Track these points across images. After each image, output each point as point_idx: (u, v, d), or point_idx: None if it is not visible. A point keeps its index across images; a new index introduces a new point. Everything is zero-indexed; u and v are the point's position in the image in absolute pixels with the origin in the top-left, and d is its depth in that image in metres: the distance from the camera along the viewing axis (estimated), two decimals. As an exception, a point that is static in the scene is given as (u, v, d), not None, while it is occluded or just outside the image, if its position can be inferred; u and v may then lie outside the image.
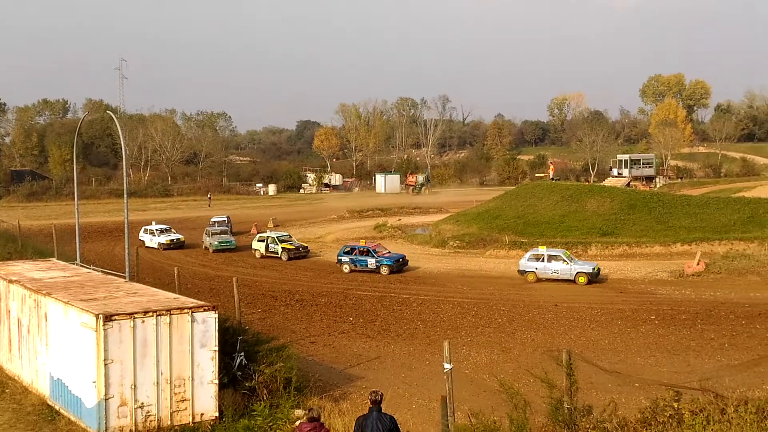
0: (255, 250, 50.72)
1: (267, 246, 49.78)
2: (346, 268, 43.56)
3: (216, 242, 53.04)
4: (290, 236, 52.71)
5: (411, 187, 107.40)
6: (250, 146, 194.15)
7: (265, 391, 17.31)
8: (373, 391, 11.71)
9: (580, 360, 15.11)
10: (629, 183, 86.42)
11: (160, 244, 54.62)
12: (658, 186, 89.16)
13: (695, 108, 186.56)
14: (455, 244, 51.50)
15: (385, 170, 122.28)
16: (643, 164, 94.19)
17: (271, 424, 15.90)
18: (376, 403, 11.42)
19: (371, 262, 42.78)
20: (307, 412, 12.29)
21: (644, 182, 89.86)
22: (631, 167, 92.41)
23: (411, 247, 52.51)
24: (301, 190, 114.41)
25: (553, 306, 32.99)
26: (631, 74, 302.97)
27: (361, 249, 43.85)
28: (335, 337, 28.23)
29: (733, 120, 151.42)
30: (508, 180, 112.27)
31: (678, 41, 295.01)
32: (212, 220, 61.39)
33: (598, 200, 57.16)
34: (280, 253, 49.04)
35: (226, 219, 61.54)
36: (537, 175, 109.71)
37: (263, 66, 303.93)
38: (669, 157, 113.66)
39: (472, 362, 24.39)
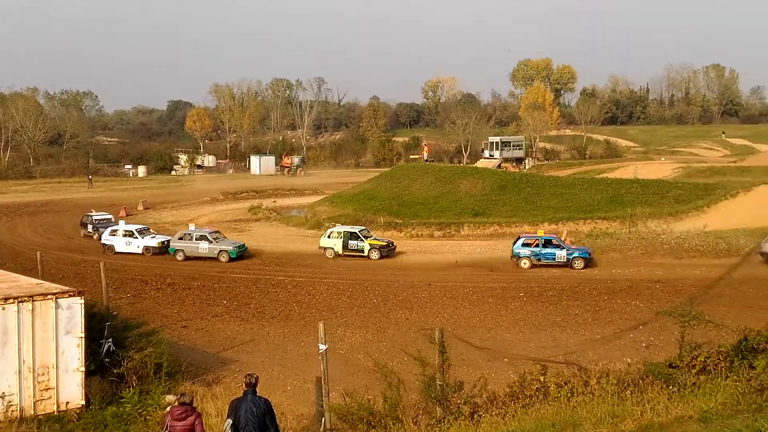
0: (325, 248, 41.98)
1: (346, 243, 41.38)
2: (525, 263, 37.48)
3: (232, 248, 40.86)
4: (368, 229, 44.51)
5: (286, 169, 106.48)
6: (119, 126, 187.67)
7: (134, 378, 16.86)
8: (248, 374, 11.59)
9: (453, 337, 15.39)
10: (500, 164, 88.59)
11: (147, 248, 42.85)
12: (527, 167, 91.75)
13: (562, 92, 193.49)
14: (331, 226, 51.46)
15: (260, 152, 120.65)
16: (513, 146, 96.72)
17: (140, 410, 15.49)
18: (251, 386, 11.30)
19: (561, 254, 37.25)
20: (178, 397, 12.06)
21: (514, 164, 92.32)
22: (502, 149, 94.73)
23: (286, 228, 52.19)
24: (173, 172, 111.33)
25: (426, 285, 33.49)
26: (501, 58, 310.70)
27: (546, 240, 37.98)
28: (208, 321, 27.76)
29: (598, 104, 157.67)
30: (384, 162, 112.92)
31: (546, 27, 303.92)
32: (93, 216, 49.96)
33: (470, 181, 58.42)
34: (367, 251, 40.76)
35: (111, 217, 51.06)
36: (412, 156, 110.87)
37: (132, 43, 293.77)
38: (537, 140, 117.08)
39: (348, 343, 24.52)
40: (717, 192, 51.50)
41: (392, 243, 42.26)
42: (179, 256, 41.41)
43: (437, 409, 12.69)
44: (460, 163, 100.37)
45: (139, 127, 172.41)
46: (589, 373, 12.18)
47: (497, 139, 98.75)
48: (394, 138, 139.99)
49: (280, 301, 31.15)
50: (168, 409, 12.77)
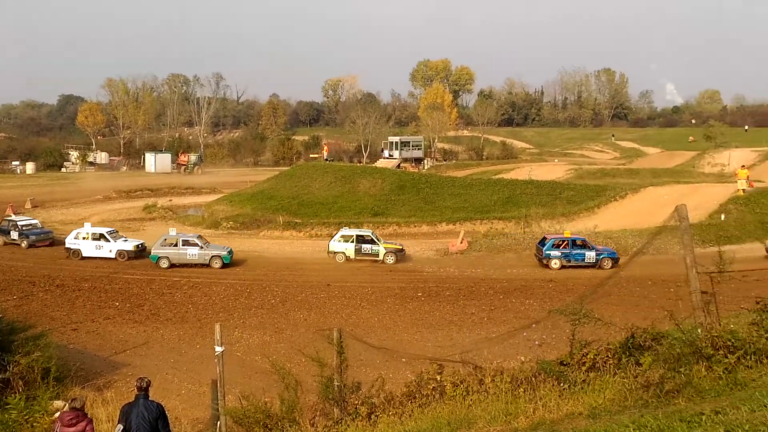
0: (335, 252, 39.57)
1: (359, 248, 39.17)
2: (555, 263, 36.95)
3: (225, 253, 38.35)
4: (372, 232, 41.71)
5: (183, 167, 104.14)
6: (6, 121, 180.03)
7: (20, 383, 16.16)
8: (140, 378, 11.31)
9: (351, 338, 15.35)
10: (399, 164, 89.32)
11: (121, 252, 39.67)
12: (426, 167, 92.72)
13: (461, 93, 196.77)
14: (229, 225, 50.81)
15: (156, 149, 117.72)
16: (412, 146, 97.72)
17: (27, 417, 14.88)
18: (143, 390, 11.04)
19: (590, 255, 37.10)
20: (69, 402, 11.66)
21: (413, 164, 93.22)
22: (401, 149, 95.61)
23: (183, 228, 51.07)
24: (64, 169, 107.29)
25: (325, 286, 33.41)
26: (402, 58, 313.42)
27: (575, 240, 37.62)
28: (100, 324, 26.93)
29: (495, 105, 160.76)
30: (283, 160, 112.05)
31: (446, 28, 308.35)
32: (18, 222, 44.34)
33: (370, 181, 58.70)
34: (382, 255, 39.09)
35: (37, 221, 46.34)
36: (311, 155, 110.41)
37: (21, 34, 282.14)
38: (436, 140, 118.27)
39: (245, 344, 24.25)
40: (607, 193, 53.25)
41: (401, 245, 40.48)
42: (163, 264, 37.83)
43: (335, 410, 12.65)
44: (360, 162, 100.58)
45: (28, 122, 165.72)
46: (484, 371, 12.36)
47: (397, 139, 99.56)
48: (293, 136, 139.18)
49: (176, 302, 30.50)
50: (57, 414, 12.35)
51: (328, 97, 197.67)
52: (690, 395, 8.79)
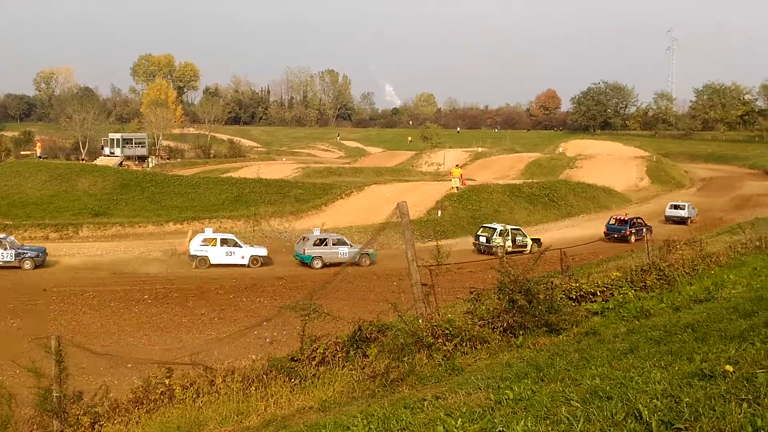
0: (498, 246, 40.26)
1: (514, 239, 41.81)
2: (632, 239, 42.48)
3: (372, 251, 37.73)
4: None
5: None
6: None
7: None
8: None
9: (71, 345, 14.48)
10: (122, 162, 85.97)
11: (254, 258, 38.17)
12: (150, 166, 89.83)
13: (185, 90, 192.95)
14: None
15: None
16: (135, 144, 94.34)
17: None
18: None
19: (644, 231, 41.66)
20: None
21: (137, 162, 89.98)
22: (123, 146, 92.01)
23: None
24: None
25: (42, 291, 31.30)
26: (122, 52, 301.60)
27: (638, 219, 46.72)
28: None
29: (221, 103, 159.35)
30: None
31: (167, 22, 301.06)
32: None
33: (89, 180, 55.93)
34: (529, 246, 41.39)
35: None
36: (23, 152, 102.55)
37: None
38: (161, 138, 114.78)
39: (-53, 358, 22.04)
40: (333, 191, 54.85)
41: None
42: (317, 264, 37.59)
43: (54, 422, 11.90)
44: (79, 160, 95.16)
45: None
46: (214, 372, 12.19)
47: (118, 135, 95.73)
48: (1, 132, 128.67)
49: None
50: None
51: (40, 91, 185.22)
52: (413, 383, 9.23)
